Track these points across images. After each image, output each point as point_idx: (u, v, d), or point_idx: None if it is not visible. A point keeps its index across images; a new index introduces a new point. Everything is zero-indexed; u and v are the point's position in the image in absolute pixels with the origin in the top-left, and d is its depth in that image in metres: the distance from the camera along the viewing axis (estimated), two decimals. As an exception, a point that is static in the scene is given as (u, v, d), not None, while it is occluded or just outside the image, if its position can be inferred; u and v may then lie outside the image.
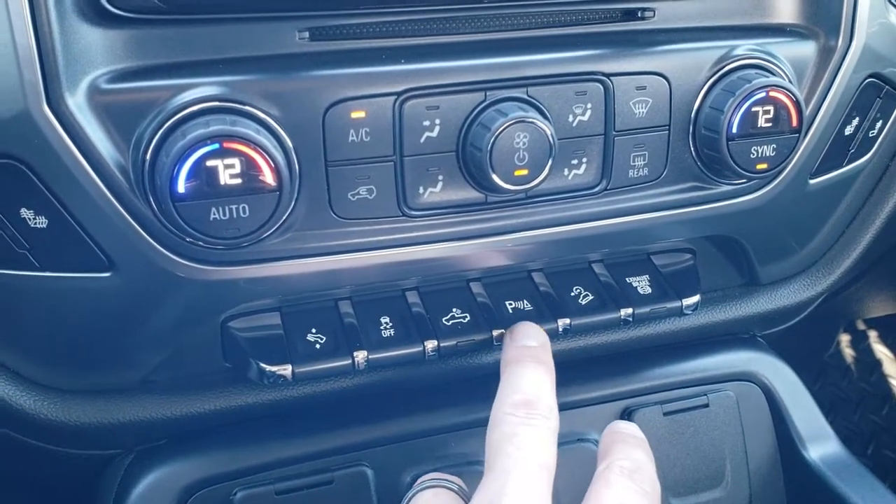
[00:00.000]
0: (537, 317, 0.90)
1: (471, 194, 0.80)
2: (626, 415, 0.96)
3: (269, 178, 0.70)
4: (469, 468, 0.90)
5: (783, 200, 0.92)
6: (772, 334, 1.14)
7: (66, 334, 0.79)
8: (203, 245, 0.72)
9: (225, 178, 0.69)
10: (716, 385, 1.00)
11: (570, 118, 0.80)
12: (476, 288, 0.92)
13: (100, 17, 0.70)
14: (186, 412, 0.87)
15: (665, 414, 0.97)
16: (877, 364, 2.18)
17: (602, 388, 0.97)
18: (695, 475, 0.97)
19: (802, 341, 1.16)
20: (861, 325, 2.18)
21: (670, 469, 0.96)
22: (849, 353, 2.20)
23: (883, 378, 2.17)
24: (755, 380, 1.02)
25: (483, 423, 0.93)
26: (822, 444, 1.00)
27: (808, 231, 1.01)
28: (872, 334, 2.19)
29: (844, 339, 2.19)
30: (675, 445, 0.97)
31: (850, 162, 0.97)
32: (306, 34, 0.75)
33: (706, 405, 0.98)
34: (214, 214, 0.70)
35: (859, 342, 2.20)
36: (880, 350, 2.18)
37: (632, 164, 0.84)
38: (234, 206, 0.70)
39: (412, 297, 0.90)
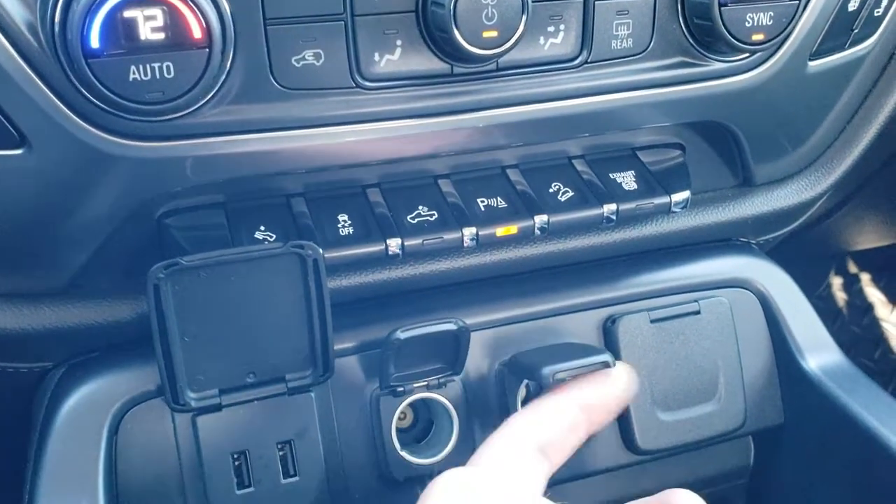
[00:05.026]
0: (512, 214, 0.82)
1: (434, 64, 0.71)
2: (610, 322, 0.88)
3: (196, 31, 0.61)
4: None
5: (780, 83, 0.84)
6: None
7: (-23, 225, 0.70)
8: (125, 114, 0.64)
9: (146, 31, 0.60)
10: (708, 292, 0.92)
11: (545, -23, 0.71)
12: (445, 185, 0.84)
13: None
14: (120, 319, 0.78)
15: (652, 321, 0.89)
16: (869, 307, 2.12)
17: (584, 294, 0.89)
18: (685, 388, 0.89)
19: (793, 278, 1.10)
20: (853, 268, 2.12)
21: (658, 381, 0.88)
22: (840, 296, 2.14)
23: (875, 321, 2.11)
24: (750, 286, 0.94)
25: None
26: (821, 353, 0.92)
27: (806, 123, 0.93)
28: (864, 277, 2.13)
29: (836, 282, 2.14)
30: (664, 356, 0.89)
31: (852, 45, 0.88)
32: None
33: (697, 312, 0.90)
34: (134, 74, 0.61)
35: (851, 285, 2.14)
36: (872, 293, 2.13)
37: (614, 33, 0.75)
38: (156, 65, 0.61)
39: (374, 195, 0.82)
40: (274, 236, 0.77)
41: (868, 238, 1.75)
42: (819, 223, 1.40)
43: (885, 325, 2.08)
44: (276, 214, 0.79)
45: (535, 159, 0.86)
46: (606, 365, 0.75)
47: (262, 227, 0.78)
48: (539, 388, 0.89)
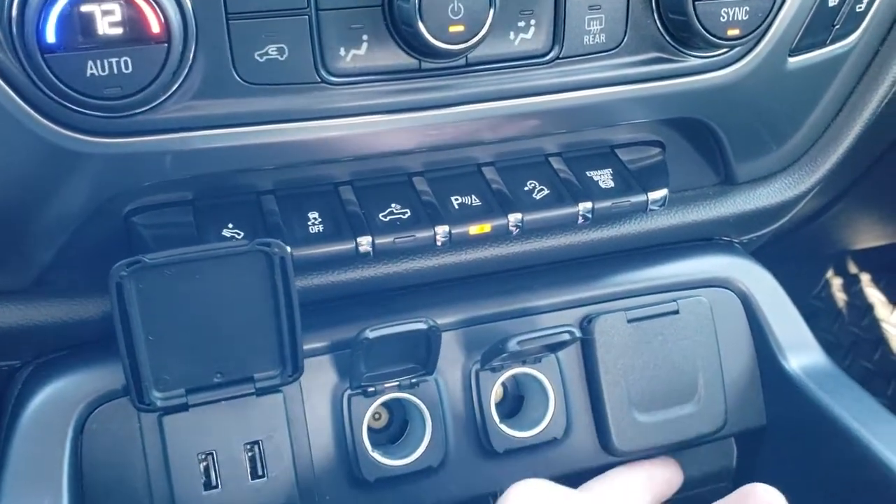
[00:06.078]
0: (486, 213, 0.81)
1: (402, 59, 0.70)
2: (586, 322, 0.87)
3: (154, 26, 0.60)
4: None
5: (759, 79, 0.82)
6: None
7: (-62, 223, 0.69)
8: (85, 110, 0.63)
9: (103, 26, 0.60)
10: (687, 291, 0.91)
11: (514, -30, 0.70)
12: (419, 183, 0.83)
13: None
14: (86, 317, 0.78)
15: (629, 321, 0.87)
16: (868, 308, 2.10)
17: (559, 293, 0.88)
18: (664, 389, 0.88)
19: (788, 278, 1.08)
20: (853, 268, 2.10)
21: (636, 382, 0.87)
22: (840, 296, 2.12)
23: (875, 322, 2.09)
24: (731, 286, 0.93)
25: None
26: (803, 354, 0.91)
27: (788, 120, 0.91)
28: (864, 277, 2.11)
29: (836, 282, 2.12)
30: (642, 356, 0.88)
31: (834, 41, 0.87)
32: None
33: (676, 312, 0.89)
34: (92, 69, 0.60)
35: (850, 285, 2.12)
36: (872, 294, 2.10)
37: (587, 28, 0.74)
38: (114, 60, 0.60)
39: (346, 193, 0.81)
40: (242, 234, 0.76)
41: (864, 238, 1.74)
42: (810, 222, 1.38)
43: (885, 325, 2.06)
44: (245, 212, 0.78)
45: (512, 157, 0.85)
46: (572, 335, 0.77)
47: (231, 225, 0.77)
48: (515, 386, 0.88)
